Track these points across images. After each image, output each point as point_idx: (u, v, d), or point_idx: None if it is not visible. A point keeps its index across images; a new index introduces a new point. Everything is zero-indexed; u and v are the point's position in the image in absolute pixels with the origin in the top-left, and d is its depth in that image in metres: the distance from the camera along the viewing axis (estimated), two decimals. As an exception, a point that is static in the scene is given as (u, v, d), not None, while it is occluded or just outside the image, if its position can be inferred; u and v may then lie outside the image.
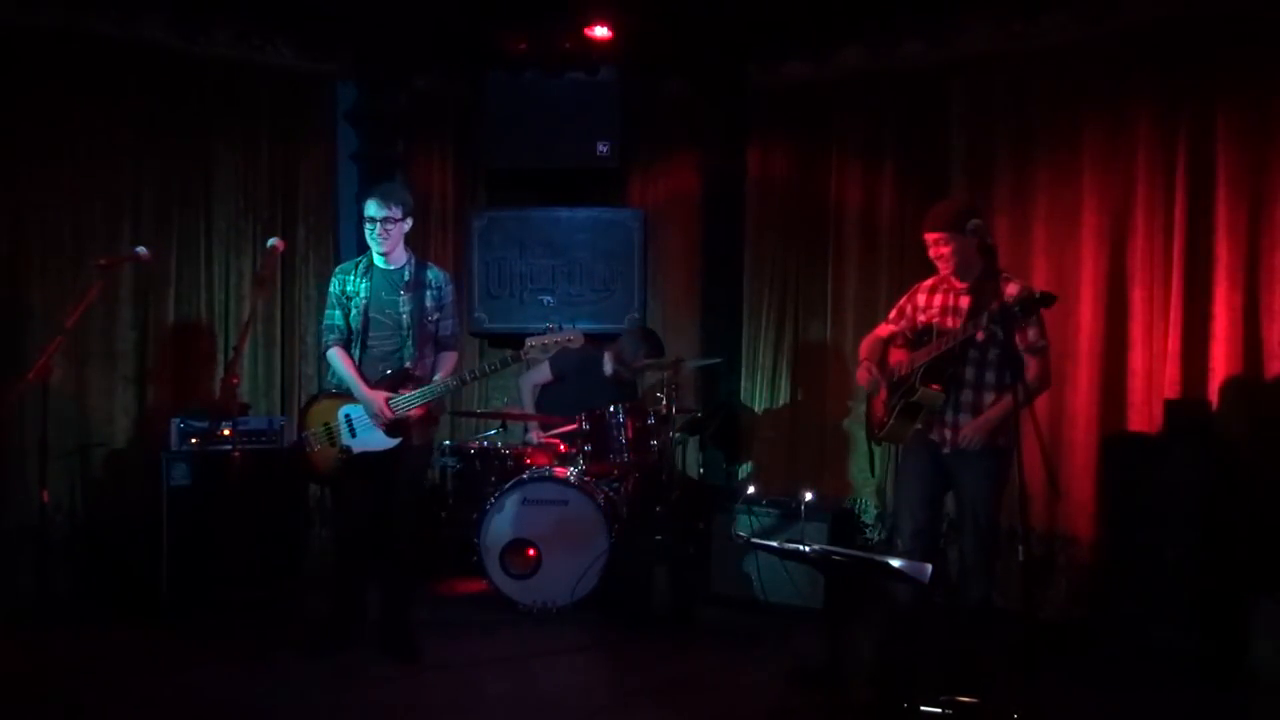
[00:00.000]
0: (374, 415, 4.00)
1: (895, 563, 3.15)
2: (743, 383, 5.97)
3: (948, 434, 3.74)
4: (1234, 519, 4.11)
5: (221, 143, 5.42)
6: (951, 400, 3.71)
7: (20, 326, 4.82)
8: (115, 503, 5.01)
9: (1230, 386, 4.32)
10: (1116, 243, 4.67)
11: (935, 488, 3.83)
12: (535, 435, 5.34)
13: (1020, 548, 3.40)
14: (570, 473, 4.87)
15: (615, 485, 5.13)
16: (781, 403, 5.85)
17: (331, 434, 4.07)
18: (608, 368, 5.37)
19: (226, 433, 4.80)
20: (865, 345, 4.11)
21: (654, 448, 4.96)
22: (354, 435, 4.05)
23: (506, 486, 4.83)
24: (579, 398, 5.22)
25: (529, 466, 5.07)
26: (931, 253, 3.76)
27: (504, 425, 5.63)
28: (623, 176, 6.21)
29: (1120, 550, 4.29)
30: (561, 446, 5.15)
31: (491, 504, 4.80)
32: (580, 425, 4.90)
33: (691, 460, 5.86)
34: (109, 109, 5.08)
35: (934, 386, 3.67)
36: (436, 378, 4.08)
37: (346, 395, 4.06)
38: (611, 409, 4.94)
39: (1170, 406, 4.36)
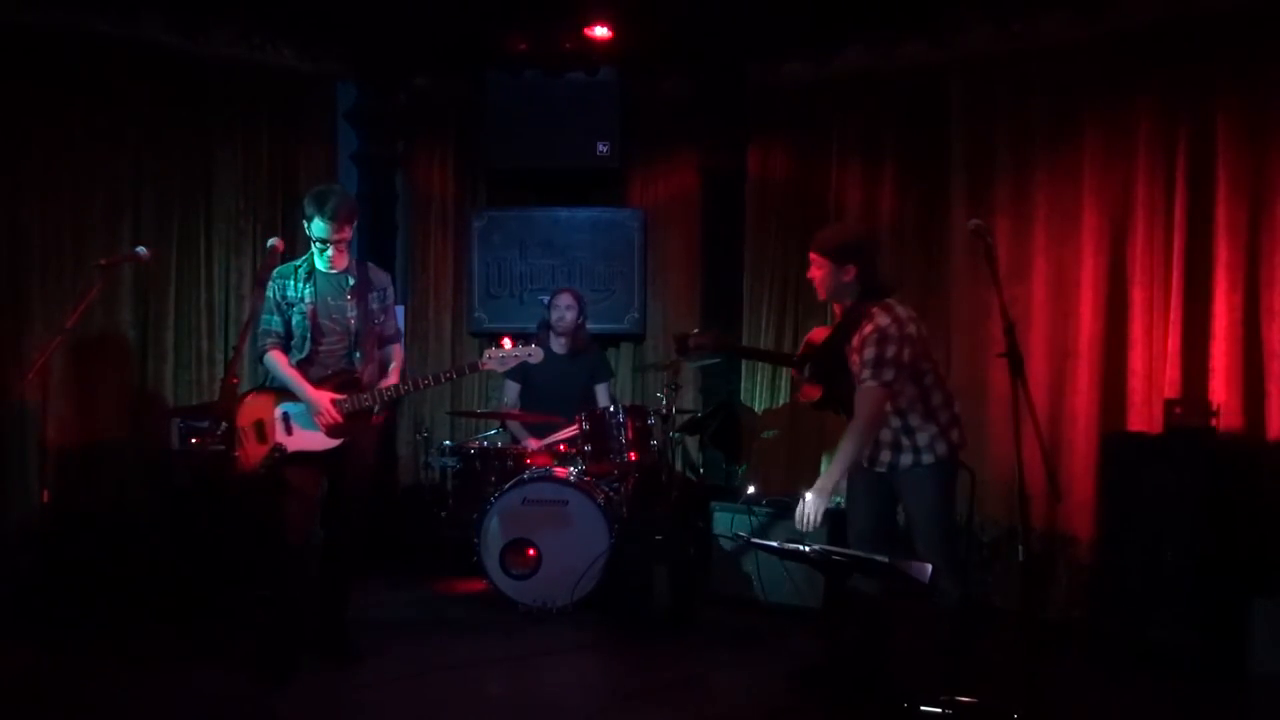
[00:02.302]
0: (317, 415, 3.87)
1: (895, 563, 3.16)
2: (743, 383, 5.97)
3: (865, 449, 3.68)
4: (1233, 518, 4.11)
5: (221, 142, 5.43)
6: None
7: (20, 326, 4.82)
8: (115, 503, 5.01)
9: (1230, 386, 4.33)
10: (1116, 243, 4.67)
11: (879, 497, 3.72)
12: (530, 444, 5.31)
13: (1020, 548, 3.39)
14: (570, 473, 4.87)
15: (615, 485, 5.13)
16: (781, 403, 5.85)
17: (263, 431, 3.91)
18: (566, 317, 5.37)
19: (227, 432, 4.80)
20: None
21: (654, 448, 4.97)
22: (290, 433, 3.92)
23: (506, 486, 4.83)
24: (547, 391, 5.34)
25: (529, 466, 5.07)
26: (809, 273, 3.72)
27: (504, 425, 5.64)
28: (623, 176, 6.21)
29: (1120, 550, 4.29)
30: (562, 446, 5.15)
31: (491, 504, 4.80)
32: (581, 426, 4.90)
33: (692, 460, 5.86)
34: (109, 109, 5.08)
35: (810, 389, 3.81)
36: (391, 379, 4.02)
37: (284, 392, 3.93)
38: (611, 409, 4.94)
39: (1170, 406, 4.36)
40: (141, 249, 4.18)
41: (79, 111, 4.99)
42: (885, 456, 3.62)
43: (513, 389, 5.49)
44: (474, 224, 6.11)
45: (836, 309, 3.82)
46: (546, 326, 5.45)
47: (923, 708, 3.31)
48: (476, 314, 6.08)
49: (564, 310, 5.38)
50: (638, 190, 6.28)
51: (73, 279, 4.91)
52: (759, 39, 5.66)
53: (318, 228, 3.85)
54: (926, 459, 3.56)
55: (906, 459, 3.58)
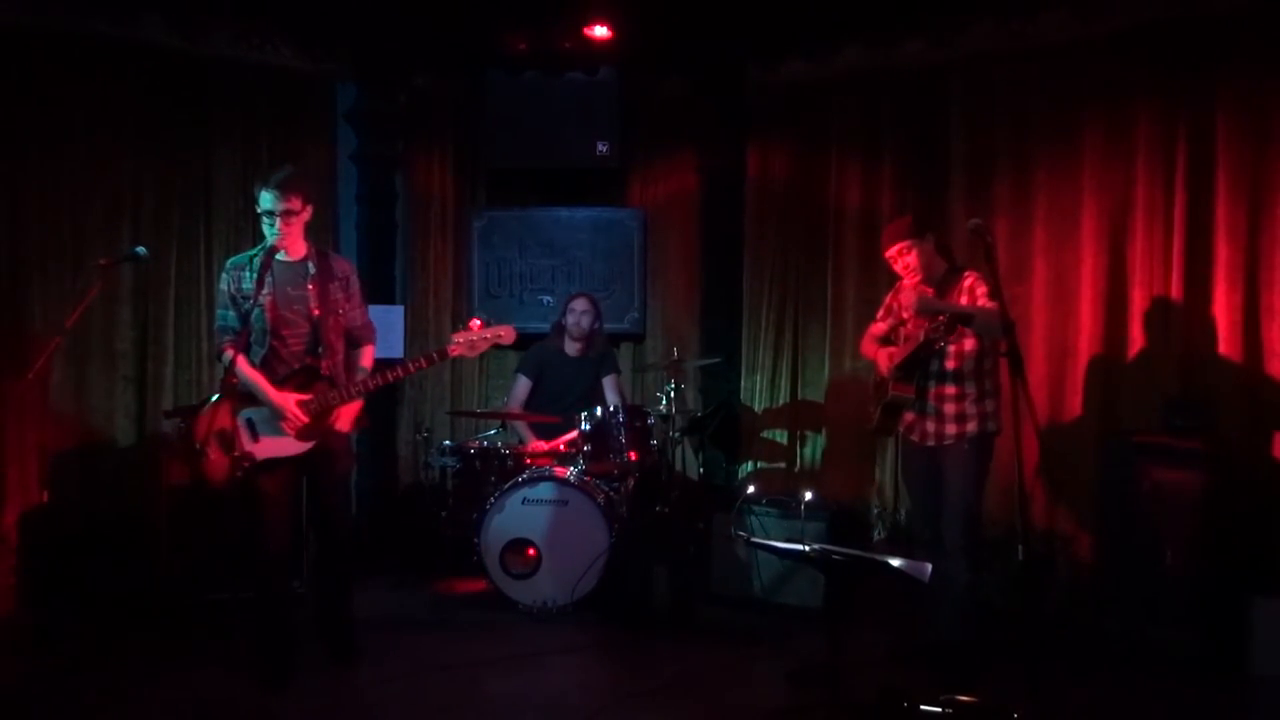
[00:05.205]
0: (283, 419, 3.72)
1: (895, 562, 3.16)
2: (743, 383, 5.97)
3: (929, 427, 3.91)
4: (1233, 519, 4.11)
5: (221, 143, 5.42)
6: (919, 397, 3.89)
7: (20, 326, 4.82)
8: (115, 503, 5.00)
9: (1230, 386, 4.33)
10: (1116, 243, 4.68)
11: (935, 473, 3.94)
12: (533, 447, 5.30)
13: (1020, 548, 3.41)
14: (570, 472, 4.87)
15: (615, 485, 5.13)
16: (781, 403, 5.85)
17: (228, 441, 3.66)
18: (582, 322, 5.38)
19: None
20: (867, 347, 4.24)
21: (654, 448, 4.96)
22: (256, 440, 3.74)
23: (506, 486, 4.83)
24: (554, 393, 5.36)
25: (529, 466, 5.07)
26: (897, 267, 3.95)
27: (504, 425, 5.64)
28: (623, 176, 6.21)
29: (1120, 549, 4.30)
30: (563, 446, 5.15)
31: (491, 504, 4.80)
32: (579, 426, 4.90)
33: (691, 460, 5.87)
34: (109, 109, 5.08)
35: (903, 388, 3.87)
36: (360, 376, 3.86)
37: (246, 397, 3.73)
38: (612, 409, 4.94)
39: (1170, 406, 4.36)
40: (141, 249, 4.17)
41: (79, 111, 4.99)
42: (951, 429, 3.84)
43: (523, 385, 5.47)
44: (474, 224, 6.11)
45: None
46: (561, 330, 5.44)
47: (923, 707, 3.31)
48: (476, 314, 6.07)
49: (580, 315, 5.39)
50: (638, 190, 6.28)
51: (73, 279, 4.90)
52: (759, 39, 5.66)
53: (262, 198, 3.71)
54: (991, 426, 3.83)
55: (972, 426, 3.81)
